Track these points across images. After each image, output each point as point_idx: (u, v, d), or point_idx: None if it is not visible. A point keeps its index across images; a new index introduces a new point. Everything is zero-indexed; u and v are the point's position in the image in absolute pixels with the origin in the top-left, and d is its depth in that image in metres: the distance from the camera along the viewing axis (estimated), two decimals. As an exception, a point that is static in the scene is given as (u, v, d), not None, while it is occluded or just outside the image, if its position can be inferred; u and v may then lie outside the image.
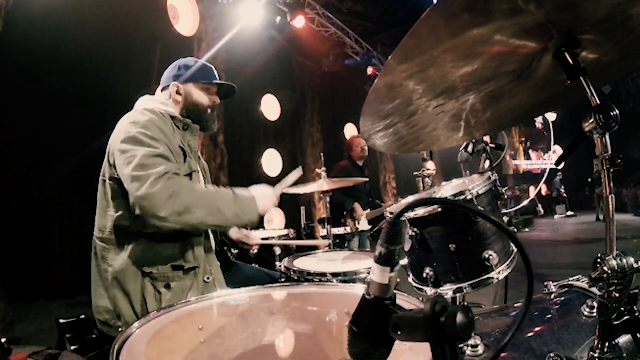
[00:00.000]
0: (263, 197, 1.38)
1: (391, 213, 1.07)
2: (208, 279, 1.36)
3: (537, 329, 0.86)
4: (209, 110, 1.54)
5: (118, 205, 1.30)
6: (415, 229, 1.07)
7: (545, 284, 1.01)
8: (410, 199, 1.44)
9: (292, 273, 1.49)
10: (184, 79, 1.50)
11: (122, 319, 1.27)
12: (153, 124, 1.30)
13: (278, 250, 2.20)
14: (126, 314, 1.26)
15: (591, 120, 0.69)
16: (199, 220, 1.22)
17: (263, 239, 2.21)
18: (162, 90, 1.54)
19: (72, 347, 1.42)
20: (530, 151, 15.45)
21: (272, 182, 1.77)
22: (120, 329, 1.26)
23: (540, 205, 10.18)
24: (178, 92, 1.49)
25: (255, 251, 2.22)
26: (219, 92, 1.58)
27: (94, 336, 1.39)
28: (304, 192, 2.58)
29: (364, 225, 3.60)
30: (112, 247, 1.30)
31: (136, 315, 1.26)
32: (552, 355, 0.74)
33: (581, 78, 0.73)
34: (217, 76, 1.56)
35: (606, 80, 1.02)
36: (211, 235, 1.51)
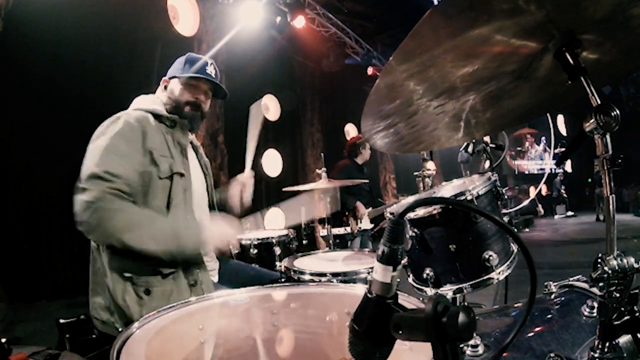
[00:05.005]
0: (214, 229, 1.31)
1: (392, 213, 1.07)
2: (194, 282, 1.31)
3: (537, 329, 0.86)
4: (187, 107, 1.47)
5: None
6: (416, 229, 1.07)
7: (545, 284, 1.01)
8: (410, 198, 1.44)
9: (292, 273, 1.49)
10: (171, 74, 1.51)
11: (115, 317, 1.27)
12: (114, 133, 1.27)
13: (278, 250, 2.20)
14: (117, 314, 1.26)
15: (592, 121, 0.69)
16: (129, 244, 1.18)
17: (263, 239, 2.22)
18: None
19: (72, 347, 1.42)
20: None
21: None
22: (115, 326, 1.27)
23: (540, 205, 10.18)
24: (166, 88, 1.51)
25: (255, 251, 2.22)
26: (214, 92, 1.55)
27: (94, 336, 1.38)
28: (304, 189, 2.58)
29: (366, 224, 3.60)
30: (100, 247, 1.29)
31: (125, 317, 1.23)
32: (552, 355, 0.74)
33: (581, 78, 0.73)
34: (210, 72, 1.50)
35: (606, 81, 1.02)
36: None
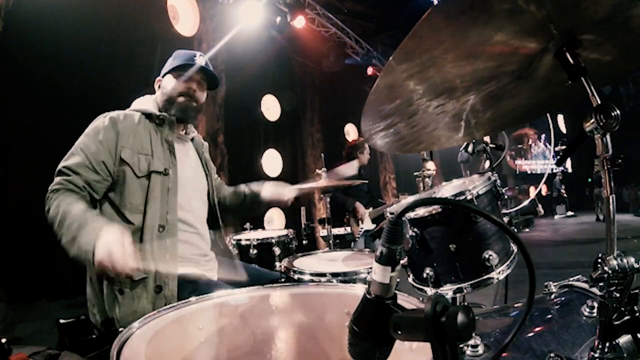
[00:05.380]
0: (106, 238, 1.09)
1: (391, 213, 1.07)
2: (159, 289, 1.28)
3: (537, 329, 0.86)
4: (181, 98, 1.48)
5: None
6: (415, 229, 1.07)
7: (545, 284, 1.01)
8: (410, 198, 1.44)
9: (292, 273, 1.49)
10: (164, 72, 1.53)
11: (96, 310, 1.31)
12: (94, 131, 1.36)
13: (278, 251, 2.20)
14: (98, 308, 1.30)
15: (592, 121, 0.69)
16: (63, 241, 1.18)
17: (263, 239, 2.22)
18: None
19: (72, 347, 1.42)
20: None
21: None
22: (96, 318, 1.31)
23: (540, 205, 10.19)
24: (159, 87, 1.54)
25: (255, 251, 2.22)
26: (208, 83, 1.56)
27: (94, 336, 1.38)
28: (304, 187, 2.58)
29: (367, 225, 3.59)
30: None
31: (106, 314, 1.27)
32: (552, 355, 0.74)
33: (582, 78, 0.73)
34: (197, 61, 1.49)
35: (606, 81, 1.02)
36: (172, 246, 1.36)
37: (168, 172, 1.40)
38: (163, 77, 1.54)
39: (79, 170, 1.30)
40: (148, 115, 1.45)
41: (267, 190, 1.75)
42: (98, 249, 1.07)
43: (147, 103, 1.51)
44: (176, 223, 1.38)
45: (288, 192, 1.75)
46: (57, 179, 1.30)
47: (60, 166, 1.32)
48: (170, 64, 1.53)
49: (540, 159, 14.88)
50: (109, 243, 1.07)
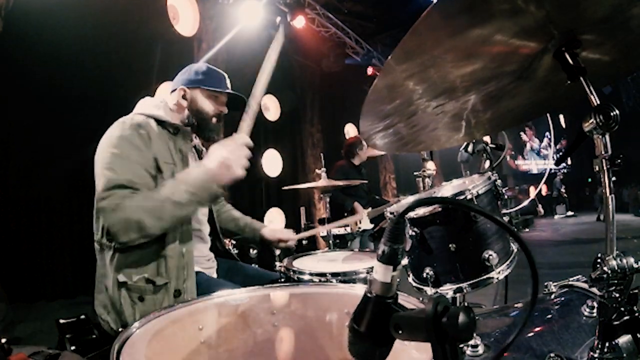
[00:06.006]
0: (220, 157, 1.24)
1: (392, 213, 1.07)
2: (178, 293, 1.30)
3: (537, 329, 0.86)
4: (214, 120, 1.50)
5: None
6: (415, 229, 1.07)
7: (545, 284, 1.01)
8: (410, 198, 1.44)
9: (291, 273, 1.49)
10: (192, 84, 1.48)
11: (112, 317, 1.28)
12: (124, 140, 1.27)
13: (278, 250, 2.20)
14: (115, 314, 1.27)
15: (591, 121, 0.69)
16: (157, 230, 1.20)
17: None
18: (170, 92, 1.52)
19: (72, 347, 1.42)
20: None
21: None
22: (111, 326, 1.28)
23: (540, 205, 10.18)
24: (184, 97, 1.47)
25: (255, 251, 2.22)
26: (228, 103, 1.55)
27: (94, 336, 1.38)
28: (304, 187, 2.59)
29: (365, 224, 3.59)
30: (100, 250, 1.31)
31: (120, 320, 1.26)
32: (552, 355, 0.74)
33: (581, 78, 0.73)
34: (228, 85, 1.52)
35: (606, 81, 1.02)
36: (194, 243, 1.42)
37: None
38: (190, 88, 1.48)
39: (138, 182, 1.23)
40: (160, 122, 1.41)
41: (268, 232, 1.78)
42: (217, 172, 1.21)
43: (157, 108, 1.43)
44: (191, 231, 1.38)
45: (291, 237, 1.77)
46: (117, 195, 1.19)
47: (119, 180, 1.21)
48: (201, 79, 1.48)
49: (537, 159, 14.75)
50: (215, 159, 1.22)
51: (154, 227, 1.19)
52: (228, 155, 1.23)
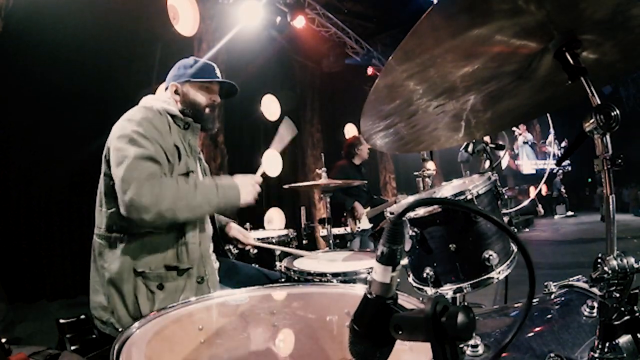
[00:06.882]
0: (245, 185, 1.44)
1: (391, 213, 1.07)
2: (201, 279, 1.34)
3: (537, 329, 0.86)
4: (207, 109, 1.52)
5: (110, 202, 1.31)
6: (415, 229, 1.07)
7: (545, 284, 1.01)
8: (410, 198, 1.44)
9: (292, 273, 1.49)
10: (182, 79, 1.50)
11: (116, 316, 1.27)
12: (147, 121, 1.31)
13: (278, 250, 2.20)
14: (121, 313, 1.27)
15: (591, 120, 0.69)
16: (184, 217, 1.28)
17: (259, 239, 2.21)
18: (165, 90, 1.55)
19: (72, 347, 1.42)
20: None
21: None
22: (115, 326, 1.28)
23: (540, 205, 10.17)
24: (176, 92, 1.50)
25: (255, 251, 2.22)
26: (221, 92, 1.57)
27: (94, 336, 1.38)
28: (304, 185, 2.59)
29: (364, 224, 3.60)
30: (107, 244, 1.31)
31: (129, 315, 1.26)
32: (552, 355, 0.74)
33: (581, 78, 0.73)
34: (218, 74, 1.54)
35: (606, 81, 1.02)
36: (208, 235, 1.50)
37: (194, 174, 1.44)
38: (181, 83, 1.50)
39: (158, 159, 1.28)
40: (172, 116, 1.45)
41: (233, 229, 1.80)
42: (246, 196, 1.43)
43: (167, 104, 1.46)
44: (205, 223, 1.47)
45: (251, 239, 1.82)
46: (149, 169, 1.23)
47: (145, 154, 1.25)
48: (189, 73, 1.50)
49: (530, 153, 14.50)
50: (247, 186, 1.45)
51: (182, 214, 1.24)
52: (249, 183, 1.46)
